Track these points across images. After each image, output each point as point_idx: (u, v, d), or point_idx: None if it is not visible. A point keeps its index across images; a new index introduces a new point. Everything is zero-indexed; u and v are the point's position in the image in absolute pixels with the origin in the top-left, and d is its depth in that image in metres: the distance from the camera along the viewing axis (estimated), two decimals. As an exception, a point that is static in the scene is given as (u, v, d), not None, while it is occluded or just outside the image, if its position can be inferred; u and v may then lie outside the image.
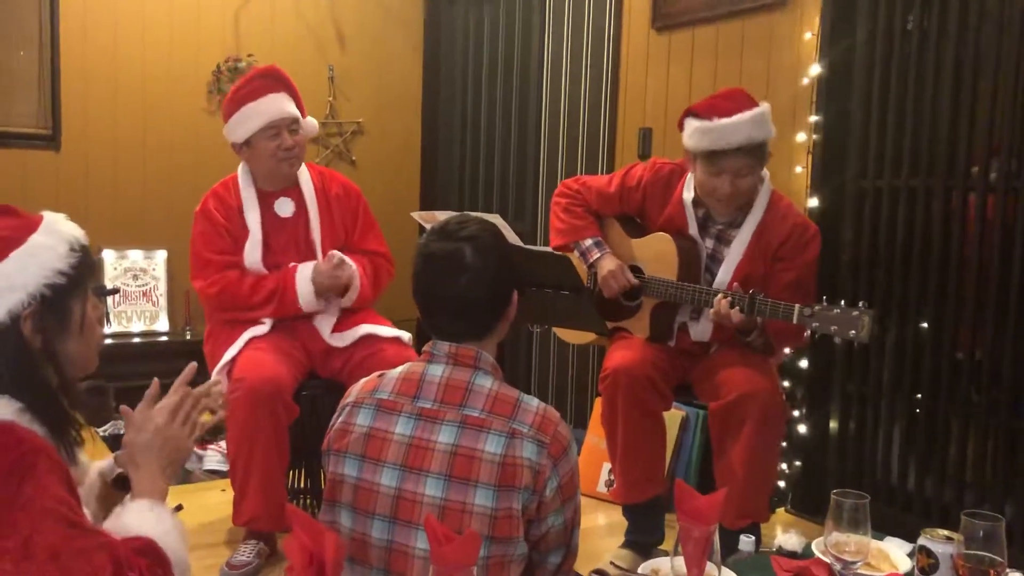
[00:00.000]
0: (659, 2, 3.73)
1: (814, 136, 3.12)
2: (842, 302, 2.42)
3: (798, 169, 3.18)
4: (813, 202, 3.10)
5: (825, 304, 2.41)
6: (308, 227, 2.89)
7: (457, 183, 5.25)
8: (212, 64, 4.61)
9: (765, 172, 2.69)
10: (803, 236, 2.66)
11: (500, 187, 4.94)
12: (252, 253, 2.82)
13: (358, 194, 3.03)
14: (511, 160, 4.82)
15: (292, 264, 2.82)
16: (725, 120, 2.52)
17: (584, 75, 4.25)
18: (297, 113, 2.83)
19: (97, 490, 1.56)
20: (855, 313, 2.36)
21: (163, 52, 4.53)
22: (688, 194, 2.74)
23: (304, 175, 2.93)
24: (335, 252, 2.83)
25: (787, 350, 3.09)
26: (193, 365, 1.61)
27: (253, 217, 2.84)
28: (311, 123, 2.92)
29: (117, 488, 1.57)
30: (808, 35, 3.15)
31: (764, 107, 2.57)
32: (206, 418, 1.60)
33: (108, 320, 4.38)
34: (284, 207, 2.89)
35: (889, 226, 3.00)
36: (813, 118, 3.12)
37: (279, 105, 2.78)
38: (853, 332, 2.36)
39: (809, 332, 2.65)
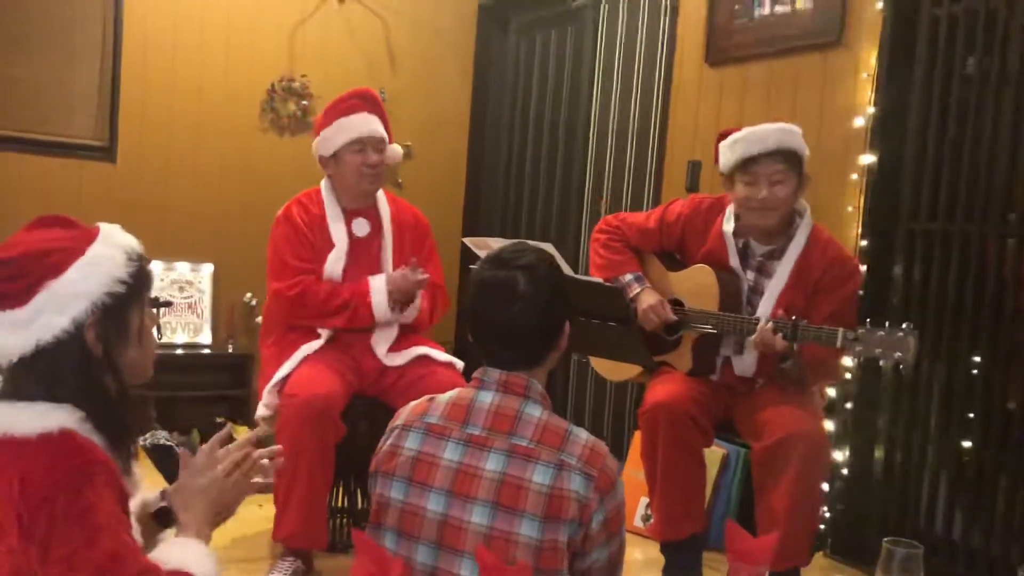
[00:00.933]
0: (713, 36, 3.73)
1: (867, 176, 3.09)
2: (886, 323, 2.38)
3: (850, 209, 3.15)
4: (864, 243, 3.07)
5: (868, 327, 2.38)
6: (380, 250, 2.94)
7: (501, 209, 5.27)
8: (266, 83, 4.69)
9: (806, 205, 2.70)
10: (843, 269, 2.67)
11: (543, 215, 4.95)
12: (335, 265, 2.85)
13: (427, 226, 3.11)
14: (556, 188, 4.83)
15: (365, 277, 2.85)
16: (756, 127, 2.66)
17: (634, 105, 4.26)
18: (385, 135, 2.92)
19: (138, 517, 1.56)
20: (900, 334, 2.32)
21: (219, 70, 4.62)
22: (728, 226, 2.75)
23: (382, 199, 3.00)
24: (414, 259, 2.86)
25: (826, 392, 3.05)
26: (257, 432, 1.61)
27: (339, 230, 2.89)
28: (396, 149, 3.01)
29: (157, 521, 1.59)
30: (864, 75, 3.13)
31: (792, 125, 2.68)
32: (240, 432, 1.64)
33: (160, 331, 4.46)
34: (360, 227, 2.95)
35: (941, 270, 2.96)
36: (866, 158, 3.09)
37: (369, 124, 2.88)
38: (899, 354, 2.32)
39: (842, 367, 2.63)
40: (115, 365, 1.39)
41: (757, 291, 2.71)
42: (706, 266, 2.75)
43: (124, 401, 1.41)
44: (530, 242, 1.85)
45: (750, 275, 2.74)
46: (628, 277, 2.86)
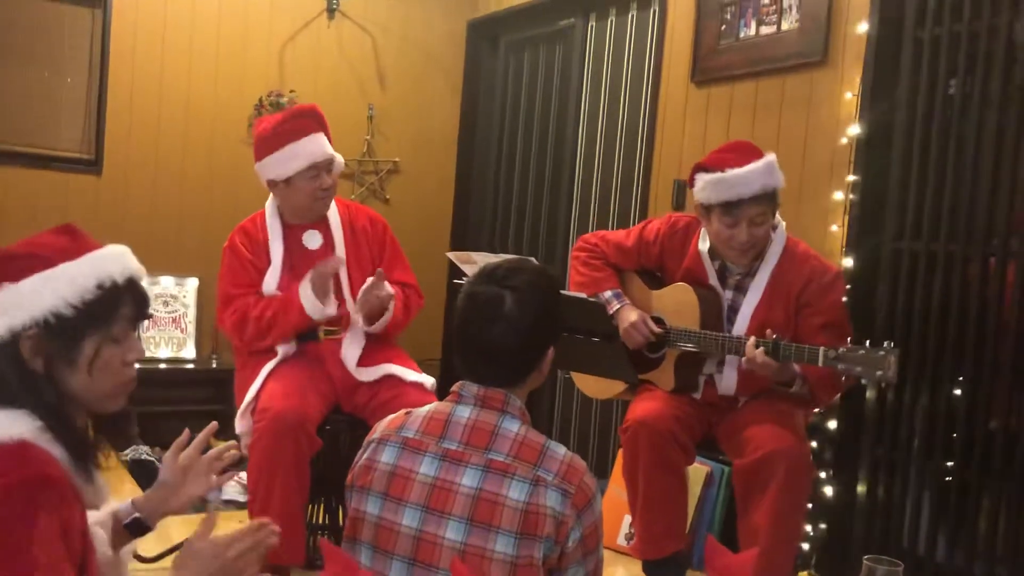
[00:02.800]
0: (699, 56, 3.75)
1: (851, 196, 3.10)
2: (867, 342, 2.39)
3: (834, 228, 3.16)
4: (848, 262, 3.07)
5: (850, 346, 2.38)
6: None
7: (489, 226, 5.27)
8: (254, 98, 4.69)
9: (779, 219, 2.71)
10: (823, 278, 2.66)
11: (531, 231, 4.95)
12: (270, 282, 2.82)
13: (384, 226, 3.04)
14: (544, 205, 4.84)
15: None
16: (739, 170, 2.57)
17: (620, 124, 4.28)
18: (334, 153, 2.87)
19: (110, 529, 1.52)
20: (881, 353, 2.32)
21: (208, 84, 4.62)
22: (704, 245, 2.75)
23: (332, 208, 2.95)
24: (379, 271, 2.80)
25: (811, 412, 3.04)
26: (268, 526, 1.53)
27: (277, 249, 2.86)
28: (339, 161, 2.95)
29: (130, 531, 1.56)
30: (848, 95, 3.15)
31: (772, 156, 2.62)
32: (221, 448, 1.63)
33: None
34: (312, 240, 2.91)
35: (925, 289, 2.96)
36: (851, 177, 3.10)
37: (320, 146, 2.82)
38: (880, 372, 2.32)
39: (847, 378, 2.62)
40: (57, 385, 1.35)
41: (735, 309, 2.71)
42: (686, 284, 2.75)
43: (72, 417, 1.36)
44: (532, 260, 1.83)
45: (728, 294, 2.74)
46: (608, 294, 2.86)
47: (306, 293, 2.71)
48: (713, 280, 2.74)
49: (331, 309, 2.77)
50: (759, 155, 2.62)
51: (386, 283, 2.79)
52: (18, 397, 1.30)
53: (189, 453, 1.63)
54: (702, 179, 2.63)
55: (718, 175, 2.58)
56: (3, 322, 1.32)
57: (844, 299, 2.68)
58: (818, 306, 2.63)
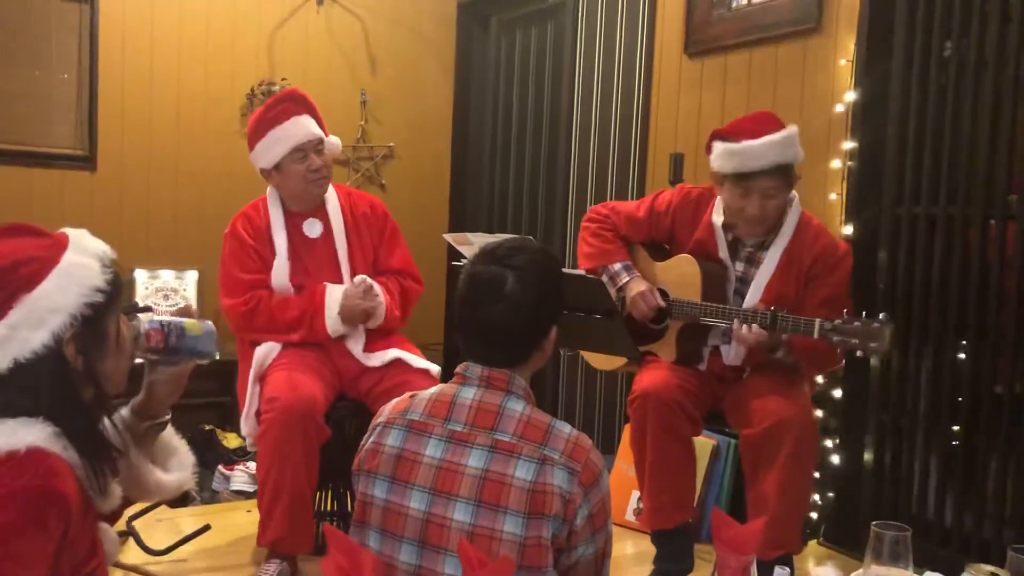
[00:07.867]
0: (692, 28, 3.72)
1: (849, 163, 3.09)
2: (863, 314, 2.39)
3: (833, 196, 3.14)
4: (848, 229, 3.07)
5: (846, 318, 2.38)
6: (336, 247, 2.89)
7: (486, 207, 5.26)
8: (246, 87, 4.66)
9: (794, 194, 2.69)
10: (833, 255, 2.65)
11: (529, 211, 4.94)
12: (279, 274, 2.83)
13: (384, 212, 3.04)
14: (540, 185, 4.82)
15: (321, 285, 2.81)
16: (753, 142, 2.54)
17: (615, 100, 4.25)
18: (321, 133, 2.85)
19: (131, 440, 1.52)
20: (876, 325, 2.33)
21: (198, 75, 4.59)
22: (717, 218, 2.73)
23: (331, 195, 2.94)
24: (363, 277, 2.83)
25: (816, 380, 3.03)
26: None
27: (280, 238, 2.85)
28: (334, 142, 2.92)
29: (155, 432, 1.57)
30: (843, 61, 3.12)
31: (792, 129, 2.58)
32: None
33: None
34: (312, 228, 2.90)
35: (926, 254, 2.95)
36: (848, 144, 3.09)
37: (304, 127, 2.80)
38: (874, 344, 2.34)
39: (841, 353, 2.62)
40: (95, 376, 1.35)
41: (746, 281, 2.70)
42: (690, 256, 2.74)
43: (102, 411, 1.37)
44: (532, 239, 1.83)
45: (739, 266, 2.73)
46: (617, 266, 2.84)
47: (334, 318, 2.75)
48: (723, 253, 2.72)
49: (349, 331, 2.81)
50: (778, 127, 2.58)
51: (375, 287, 2.82)
52: (45, 406, 1.27)
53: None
54: (717, 147, 2.61)
55: (731, 145, 2.57)
56: (44, 332, 1.27)
57: (849, 276, 2.68)
58: (825, 280, 2.63)
